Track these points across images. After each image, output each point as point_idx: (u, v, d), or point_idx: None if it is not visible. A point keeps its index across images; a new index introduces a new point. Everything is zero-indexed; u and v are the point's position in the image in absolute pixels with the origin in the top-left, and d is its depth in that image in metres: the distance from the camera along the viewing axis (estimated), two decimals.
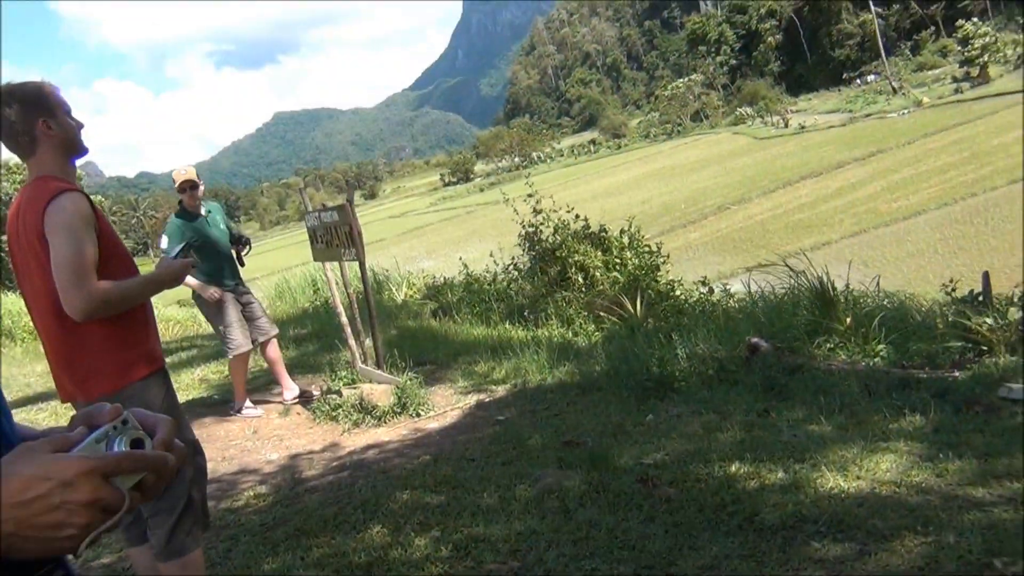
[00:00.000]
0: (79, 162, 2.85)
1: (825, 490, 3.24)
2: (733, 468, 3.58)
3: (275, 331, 6.57)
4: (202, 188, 6.17)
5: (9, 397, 6.43)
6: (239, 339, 6.22)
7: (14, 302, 13.15)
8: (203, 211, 6.11)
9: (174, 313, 12.71)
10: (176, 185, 6.07)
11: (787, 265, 6.68)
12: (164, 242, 5.94)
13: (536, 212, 9.90)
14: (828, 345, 5.50)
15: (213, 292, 6.06)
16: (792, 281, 6.84)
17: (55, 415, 6.95)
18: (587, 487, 3.63)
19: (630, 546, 3.04)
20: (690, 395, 4.96)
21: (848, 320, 5.64)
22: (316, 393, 6.68)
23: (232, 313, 6.21)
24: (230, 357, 6.27)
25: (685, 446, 4.02)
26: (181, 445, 0.86)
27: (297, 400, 6.54)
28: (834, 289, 6.11)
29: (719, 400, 4.75)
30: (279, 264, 29.88)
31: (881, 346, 5.28)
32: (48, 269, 2.51)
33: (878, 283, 6.67)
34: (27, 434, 0.94)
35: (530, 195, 9.90)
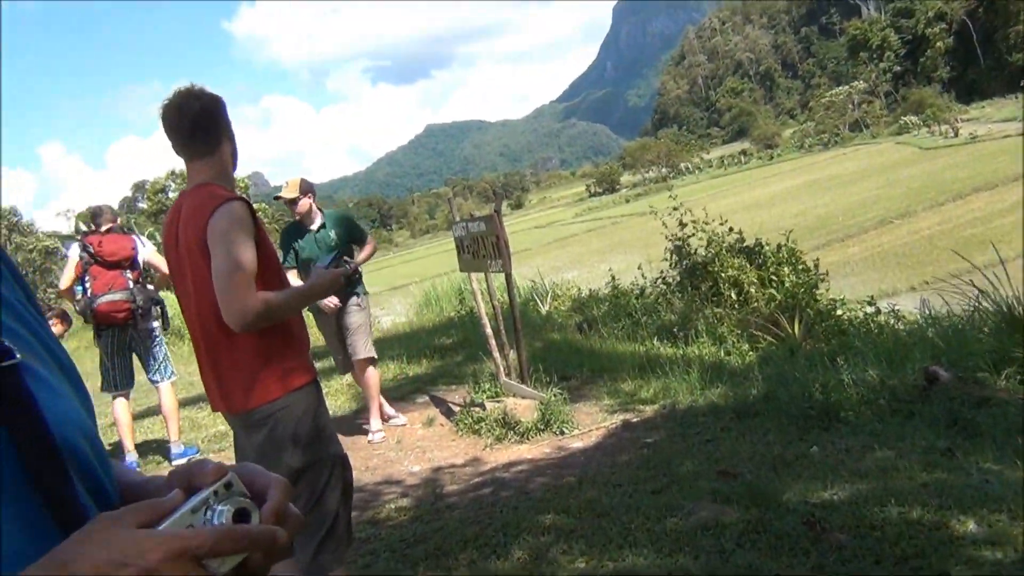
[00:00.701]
0: (246, 173, 2.87)
1: None
2: (915, 514, 3.18)
3: (361, 355, 5.97)
4: (304, 202, 5.78)
5: (180, 395, 6.77)
6: (336, 362, 6.46)
7: None
8: (316, 224, 5.86)
9: None
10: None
11: (973, 283, 6.06)
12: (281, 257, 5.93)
13: (682, 225, 9.57)
14: (1019, 377, 4.91)
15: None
16: (971, 301, 6.22)
17: (214, 415, 7.21)
18: (745, 525, 3.33)
19: None
20: (859, 426, 4.52)
21: None
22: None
23: (327, 337, 6.24)
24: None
25: (857, 485, 3.62)
26: (296, 513, 0.71)
27: (385, 425, 6.27)
28: None
29: (893, 434, 4.30)
30: (427, 272, 30.56)
31: None
32: (204, 277, 2.48)
33: None
34: (130, 481, 0.82)
35: (675, 208, 9.59)
